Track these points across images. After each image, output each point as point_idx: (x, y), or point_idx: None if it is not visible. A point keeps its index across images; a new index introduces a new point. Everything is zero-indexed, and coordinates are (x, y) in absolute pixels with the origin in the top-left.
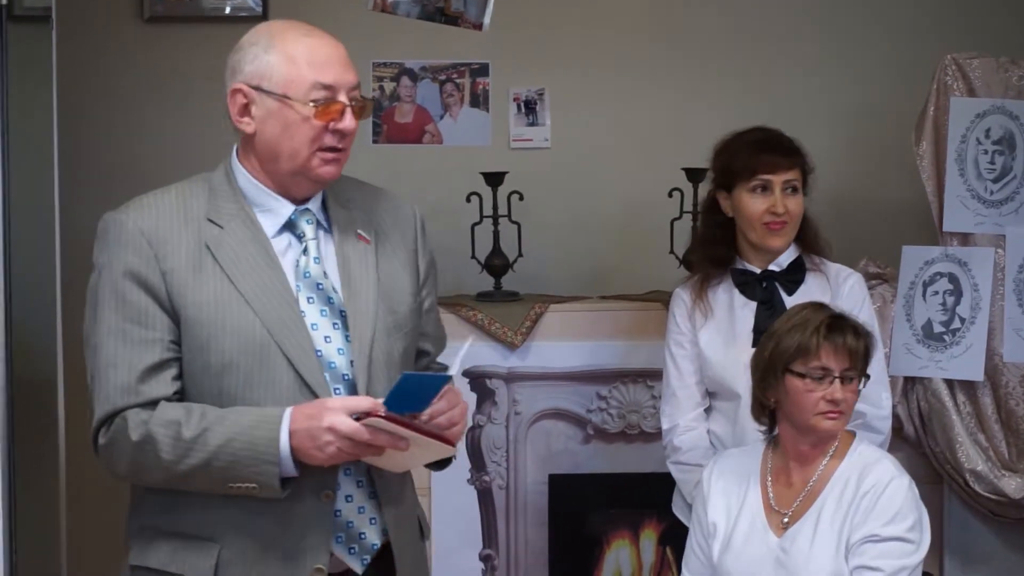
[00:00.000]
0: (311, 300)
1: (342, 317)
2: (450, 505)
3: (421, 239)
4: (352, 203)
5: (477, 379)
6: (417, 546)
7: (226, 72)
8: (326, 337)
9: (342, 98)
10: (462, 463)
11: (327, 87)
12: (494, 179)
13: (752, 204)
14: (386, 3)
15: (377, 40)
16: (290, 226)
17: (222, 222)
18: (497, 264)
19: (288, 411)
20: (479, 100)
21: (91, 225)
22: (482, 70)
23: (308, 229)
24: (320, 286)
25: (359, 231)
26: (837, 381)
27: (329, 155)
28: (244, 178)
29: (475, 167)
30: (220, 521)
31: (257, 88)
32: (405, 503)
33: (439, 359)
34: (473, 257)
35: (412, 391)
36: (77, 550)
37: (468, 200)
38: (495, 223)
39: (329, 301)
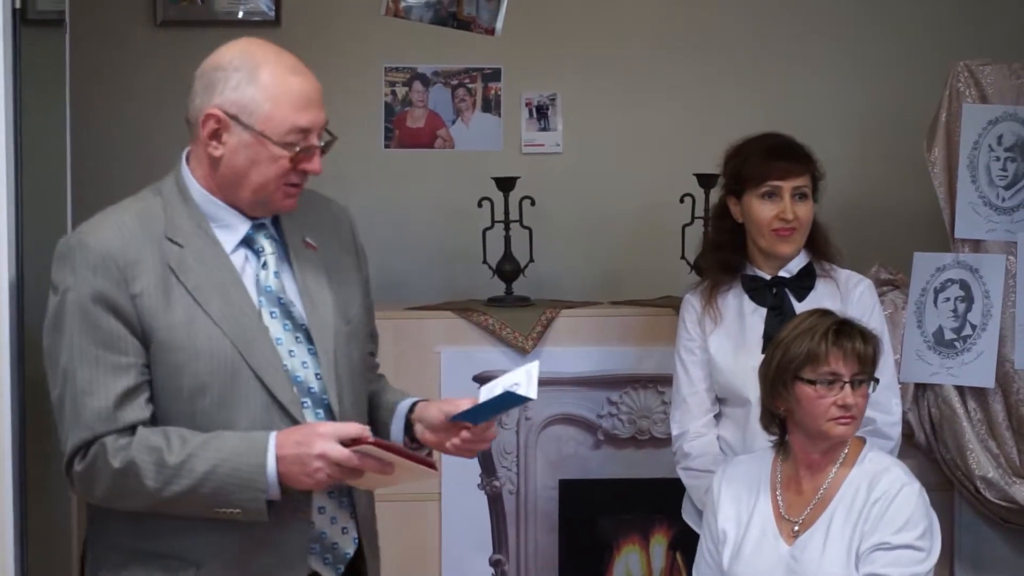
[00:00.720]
0: (274, 315)
1: (303, 330)
2: (460, 510)
3: (357, 238)
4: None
5: (486, 383)
6: (379, 557)
7: (197, 81)
8: (290, 351)
9: (314, 140)
10: (472, 468)
11: (303, 130)
12: (506, 184)
13: (761, 210)
14: (399, 8)
15: (389, 45)
16: (247, 242)
17: (181, 240)
18: (508, 269)
19: (273, 436)
20: (491, 105)
21: None
22: (494, 75)
23: (266, 244)
24: (281, 300)
25: (306, 239)
26: (847, 386)
27: (292, 189)
28: (199, 193)
29: (487, 172)
30: (198, 542)
31: (234, 118)
32: (372, 512)
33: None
34: (484, 262)
35: (493, 406)
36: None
37: (480, 205)
38: (506, 228)
39: (290, 315)
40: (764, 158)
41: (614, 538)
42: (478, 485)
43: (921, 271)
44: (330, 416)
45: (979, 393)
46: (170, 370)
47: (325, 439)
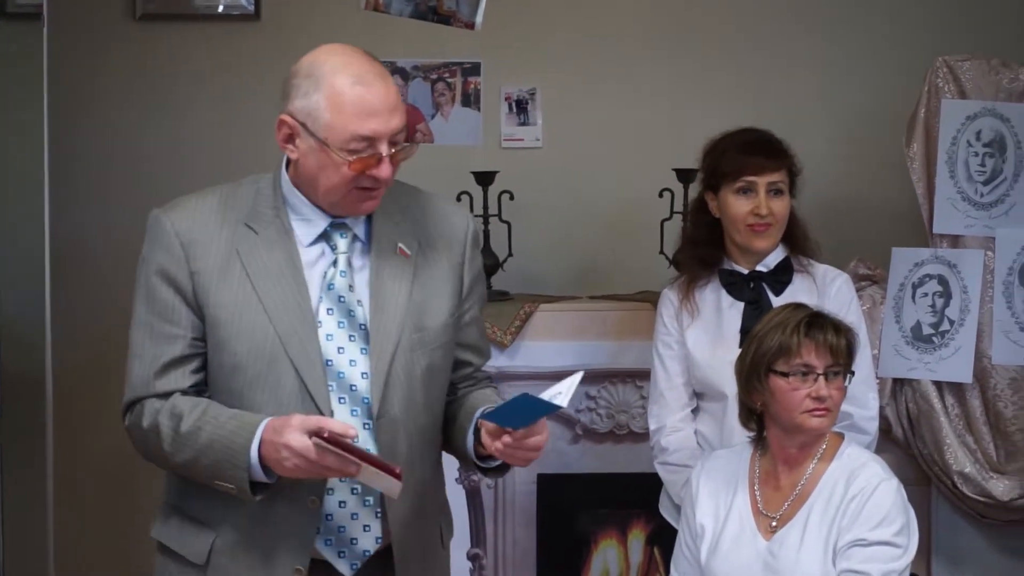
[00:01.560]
0: (330, 312)
1: (361, 330)
2: None
3: (470, 252)
4: (401, 213)
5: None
6: (431, 554)
7: (282, 88)
8: (339, 348)
9: (381, 148)
10: (451, 462)
11: (366, 139)
12: (485, 178)
13: (737, 205)
14: (378, 2)
15: (369, 39)
16: (325, 237)
17: (258, 227)
18: (487, 263)
19: (264, 421)
20: (470, 99)
21: (81, 221)
22: (474, 69)
23: (341, 242)
24: (342, 299)
25: (400, 245)
26: (821, 378)
27: (365, 193)
28: (289, 189)
29: (466, 166)
30: (218, 510)
31: (302, 124)
32: (420, 513)
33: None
34: None
35: (520, 410)
36: (64, 545)
37: (459, 199)
38: (486, 222)
39: (350, 314)
40: (739, 153)
41: (592, 532)
42: (456, 479)
43: (899, 266)
44: (367, 416)
45: (957, 388)
46: (215, 345)
47: (293, 429)
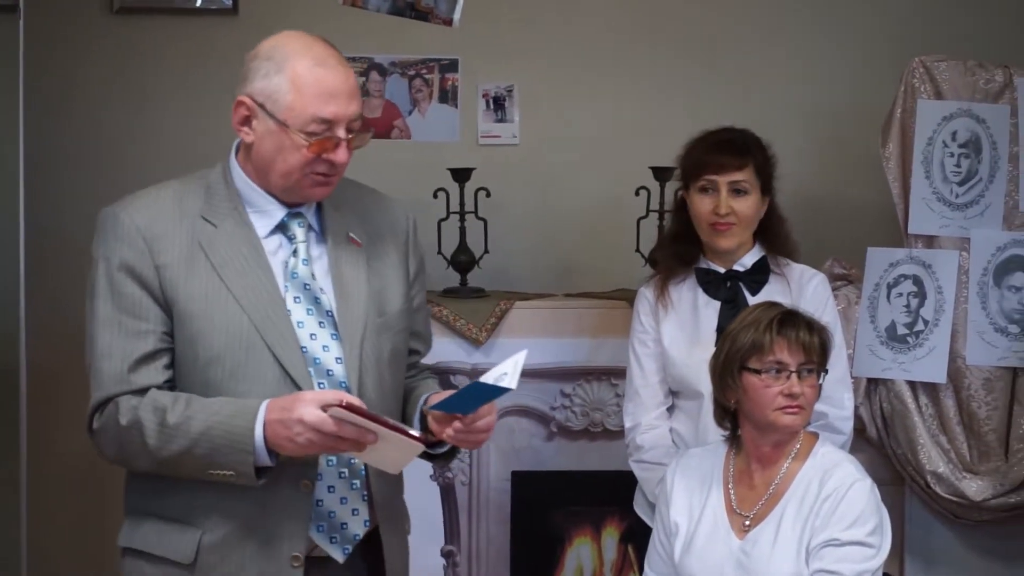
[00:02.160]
0: (298, 300)
1: (329, 317)
2: (412, 501)
3: (413, 241)
4: (347, 206)
5: (441, 375)
6: (403, 538)
7: (240, 70)
8: (312, 335)
9: (339, 132)
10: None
11: (326, 121)
12: (461, 175)
13: (700, 204)
14: None
15: (346, 34)
16: (282, 228)
17: (216, 221)
18: (463, 260)
19: (265, 403)
20: (448, 96)
21: (56, 216)
22: (451, 66)
23: (299, 232)
24: (307, 286)
25: (351, 234)
26: (794, 375)
27: (320, 178)
28: (241, 179)
29: (443, 163)
30: (202, 506)
31: (260, 106)
32: (395, 495)
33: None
34: (439, 253)
35: (470, 397)
36: (37, 542)
37: (435, 196)
38: (462, 219)
39: (316, 301)
40: (703, 152)
41: (566, 530)
42: (430, 476)
43: (874, 266)
44: None
45: (931, 388)
46: (187, 339)
47: (305, 403)
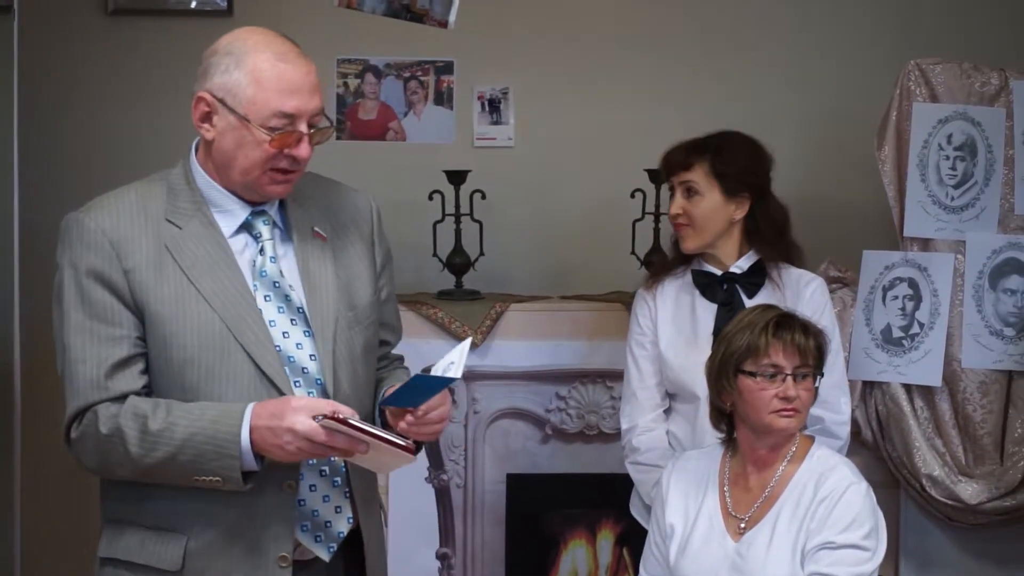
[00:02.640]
0: (268, 298)
1: (300, 313)
2: (407, 503)
3: (377, 230)
4: (309, 200)
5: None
6: (381, 533)
7: (199, 67)
8: (284, 332)
9: (301, 127)
10: (420, 461)
11: (287, 116)
12: (457, 177)
13: (671, 206)
14: None
15: (342, 36)
16: (247, 227)
17: (180, 222)
18: (458, 262)
19: (250, 407)
20: (443, 98)
21: (50, 218)
22: (447, 68)
23: (264, 230)
24: (276, 284)
25: (315, 228)
26: (789, 378)
27: (280, 176)
28: (202, 179)
29: (438, 165)
30: (187, 512)
31: (220, 101)
32: (372, 491)
33: (396, 351)
34: (435, 255)
35: (418, 389)
36: (32, 542)
37: (431, 198)
38: (457, 221)
39: (286, 298)
40: (667, 153)
41: (561, 533)
42: (425, 478)
43: (870, 269)
44: (323, 396)
45: (926, 391)
46: (160, 342)
47: (296, 412)
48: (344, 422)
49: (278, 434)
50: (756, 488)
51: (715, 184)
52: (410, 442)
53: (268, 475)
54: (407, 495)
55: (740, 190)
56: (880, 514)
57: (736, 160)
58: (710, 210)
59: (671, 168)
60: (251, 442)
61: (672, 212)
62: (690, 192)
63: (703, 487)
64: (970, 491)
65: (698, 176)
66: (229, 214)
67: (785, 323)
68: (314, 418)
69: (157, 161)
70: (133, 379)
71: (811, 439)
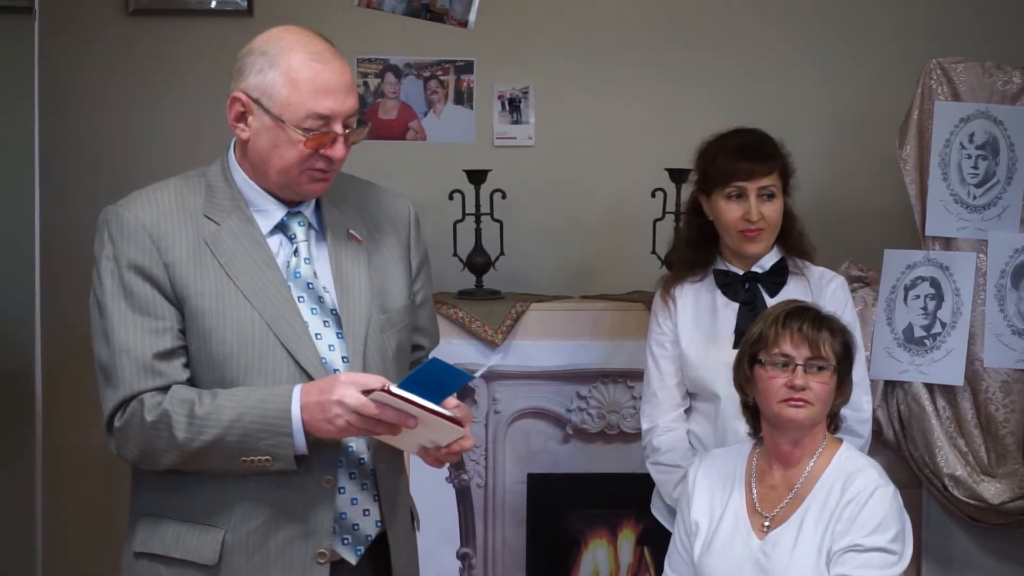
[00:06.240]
0: (301, 299)
1: (333, 315)
2: (428, 503)
3: (415, 234)
4: (345, 201)
5: None
6: (410, 537)
7: (234, 67)
8: (317, 334)
9: (336, 127)
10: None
11: (322, 117)
12: (477, 177)
13: (728, 211)
14: None
15: (362, 36)
16: (282, 227)
17: (219, 219)
18: (479, 262)
19: (299, 386)
20: (463, 97)
21: (72, 217)
22: (467, 67)
23: (299, 231)
24: (310, 285)
25: (351, 231)
26: (799, 368)
27: (318, 174)
28: (240, 177)
29: (458, 164)
30: (224, 506)
31: (256, 101)
32: (400, 495)
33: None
34: (455, 255)
35: (434, 379)
36: (53, 541)
37: (451, 198)
38: (477, 221)
39: (320, 300)
40: (730, 158)
41: (582, 533)
42: (446, 478)
43: (891, 268)
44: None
45: (948, 391)
46: (200, 337)
47: (344, 385)
48: (396, 395)
49: (327, 408)
50: (782, 486)
51: (781, 186)
52: (460, 416)
53: (307, 469)
54: (427, 495)
55: (788, 189)
56: (907, 518)
57: (788, 161)
58: (780, 212)
59: (748, 174)
60: (302, 420)
61: (754, 218)
62: (768, 197)
63: (730, 484)
64: (992, 491)
65: (775, 180)
66: (265, 214)
67: (796, 313)
68: (365, 393)
69: (178, 159)
70: (178, 370)
71: (839, 441)
